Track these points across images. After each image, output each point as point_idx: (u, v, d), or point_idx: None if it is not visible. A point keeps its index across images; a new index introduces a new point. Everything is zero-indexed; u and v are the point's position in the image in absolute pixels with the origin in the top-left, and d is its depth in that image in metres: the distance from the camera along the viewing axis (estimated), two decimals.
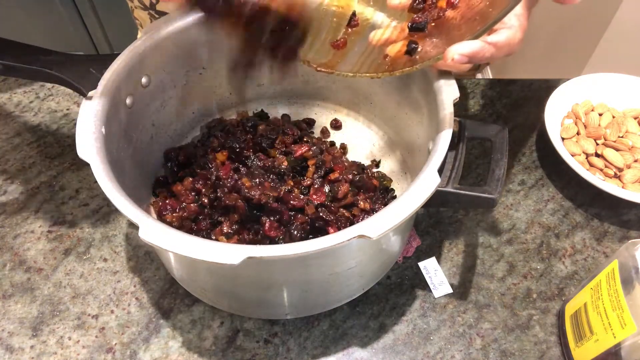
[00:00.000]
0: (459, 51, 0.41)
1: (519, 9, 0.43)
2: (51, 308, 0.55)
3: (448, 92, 0.48)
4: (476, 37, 0.41)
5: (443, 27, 0.45)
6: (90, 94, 0.47)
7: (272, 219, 0.51)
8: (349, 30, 0.50)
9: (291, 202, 0.52)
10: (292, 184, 0.57)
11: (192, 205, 0.54)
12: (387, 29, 0.48)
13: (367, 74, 0.45)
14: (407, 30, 0.46)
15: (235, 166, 0.57)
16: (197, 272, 0.50)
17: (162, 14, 0.66)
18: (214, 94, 0.66)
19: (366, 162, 0.65)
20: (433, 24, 0.46)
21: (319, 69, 0.47)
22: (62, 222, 0.62)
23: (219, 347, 0.53)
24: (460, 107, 0.76)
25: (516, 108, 0.76)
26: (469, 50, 0.41)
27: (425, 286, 0.57)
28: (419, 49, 0.44)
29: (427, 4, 0.47)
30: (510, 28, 0.43)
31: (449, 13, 0.45)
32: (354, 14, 0.50)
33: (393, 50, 0.46)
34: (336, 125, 0.69)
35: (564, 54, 1.38)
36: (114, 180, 0.42)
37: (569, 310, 0.52)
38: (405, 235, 0.56)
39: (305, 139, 0.62)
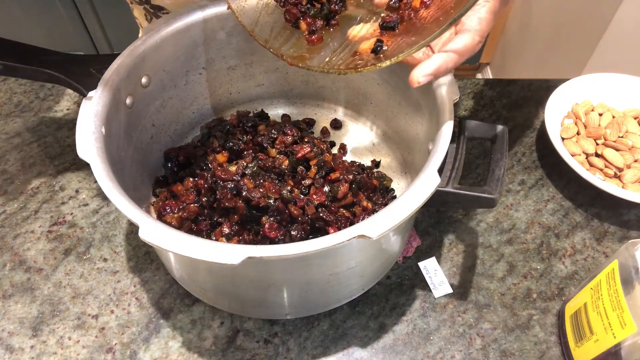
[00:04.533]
0: (423, 73, 0.42)
1: (483, 13, 0.44)
2: (51, 308, 0.55)
3: (448, 92, 0.48)
4: (433, 40, 0.41)
5: (414, 27, 0.45)
6: (90, 94, 0.47)
7: (272, 219, 0.51)
8: (329, 29, 0.51)
9: (293, 211, 0.52)
10: (292, 184, 0.57)
11: (192, 205, 0.54)
12: (364, 26, 0.48)
13: (334, 70, 0.46)
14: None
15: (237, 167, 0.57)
16: (197, 272, 0.50)
17: (157, 8, 0.66)
18: (214, 94, 0.66)
19: (366, 162, 0.65)
20: (404, 23, 0.46)
21: (291, 62, 0.48)
22: (62, 222, 0.62)
23: (219, 347, 0.53)
24: (460, 107, 0.76)
25: (516, 108, 0.76)
26: (432, 68, 0.42)
27: (425, 286, 0.57)
28: (384, 48, 0.45)
29: (403, 3, 0.47)
30: (467, 31, 0.43)
31: (422, 13, 0.45)
32: (334, 14, 0.51)
33: (364, 46, 0.46)
34: (336, 125, 0.69)
35: (564, 54, 1.38)
36: (114, 180, 0.42)
37: (569, 310, 0.52)
38: (405, 235, 0.56)
39: (305, 139, 0.62)
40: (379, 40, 0.45)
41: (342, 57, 0.47)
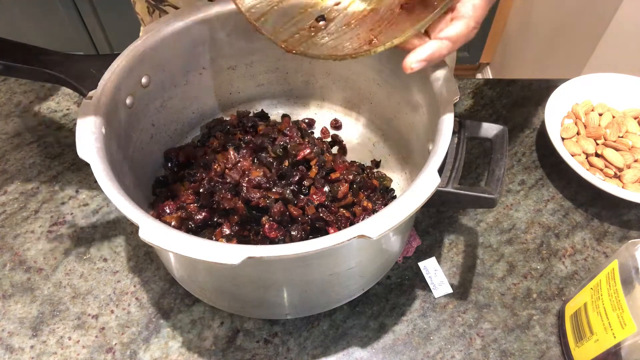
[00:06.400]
0: (417, 59, 0.42)
1: (477, 0, 0.44)
2: (51, 308, 0.55)
3: (448, 92, 0.48)
4: (425, 25, 0.41)
5: (412, 9, 0.45)
6: (90, 94, 0.47)
7: (272, 219, 0.51)
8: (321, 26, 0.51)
9: (293, 211, 0.52)
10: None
11: (192, 205, 0.54)
12: (358, 8, 0.49)
13: (331, 57, 0.46)
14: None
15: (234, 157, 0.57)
16: (197, 272, 0.50)
17: (158, 0, 0.66)
18: (214, 94, 0.66)
19: (366, 162, 0.65)
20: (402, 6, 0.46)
21: (286, 47, 0.48)
22: (62, 222, 0.62)
23: (219, 347, 0.53)
24: (460, 107, 0.76)
25: (516, 108, 0.76)
26: (425, 54, 0.42)
27: (425, 286, 0.57)
28: None
29: None
30: (462, 18, 0.43)
31: None
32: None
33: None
34: (336, 125, 0.69)
35: (564, 54, 1.38)
36: (114, 180, 0.42)
37: (569, 310, 0.52)
38: (405, 235, 0.56)
39: (306, 139, 0.62)
40: None
41: (339, 44, 0.47)
